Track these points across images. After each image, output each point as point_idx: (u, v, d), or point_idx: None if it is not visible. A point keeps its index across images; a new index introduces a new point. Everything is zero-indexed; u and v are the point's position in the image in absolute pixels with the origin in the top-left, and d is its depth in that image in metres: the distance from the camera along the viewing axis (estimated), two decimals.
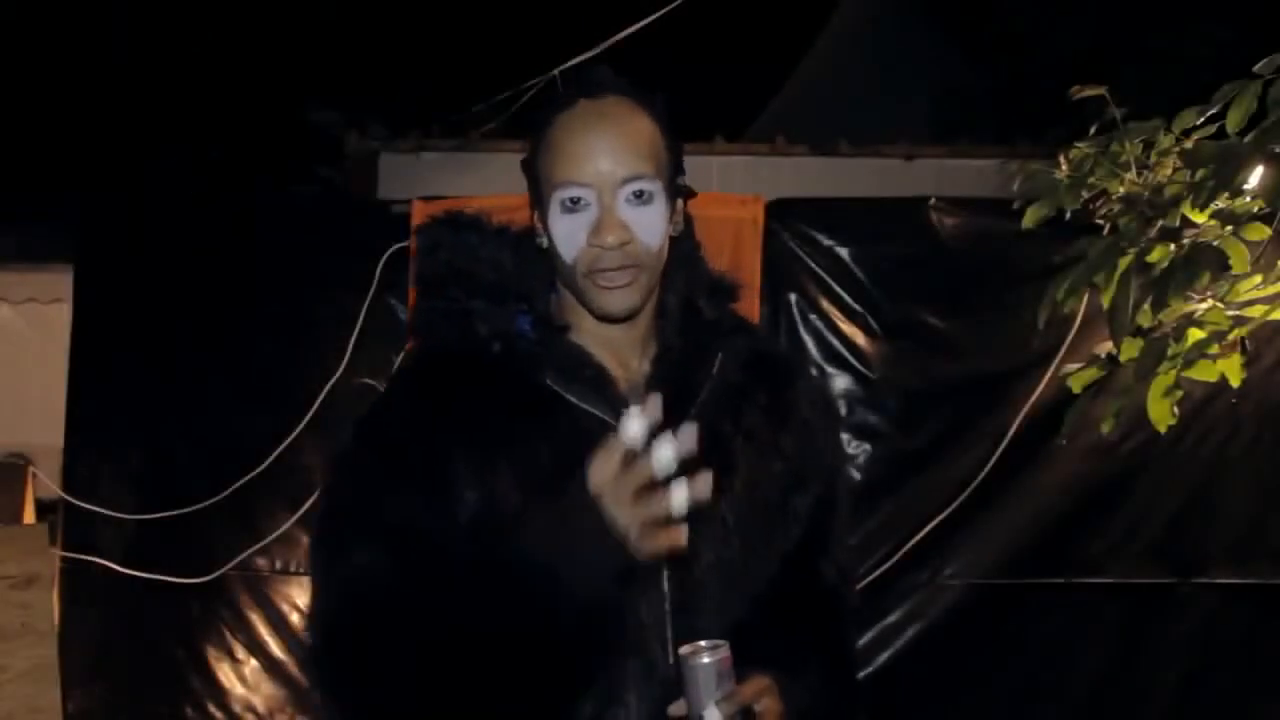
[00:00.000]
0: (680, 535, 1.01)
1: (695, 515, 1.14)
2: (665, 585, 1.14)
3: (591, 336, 1.20)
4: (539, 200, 1.18)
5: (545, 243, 1.18)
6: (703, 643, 1.06)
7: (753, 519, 1.20)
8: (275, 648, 2.91)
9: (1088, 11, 5.82)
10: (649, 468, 0.98)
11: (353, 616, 1.09)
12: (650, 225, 1.14)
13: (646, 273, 1.15)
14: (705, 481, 0.99)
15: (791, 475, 1.25)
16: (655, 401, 0.99)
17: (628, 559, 1.01)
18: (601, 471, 0.99)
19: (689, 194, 1.23)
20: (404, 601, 1.07)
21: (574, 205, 1.12)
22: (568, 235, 1.13)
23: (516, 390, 1.16)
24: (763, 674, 1.10)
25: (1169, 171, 2.02)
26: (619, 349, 1.21)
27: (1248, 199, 1.87)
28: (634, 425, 0.98)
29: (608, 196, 1.12)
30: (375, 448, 1.18)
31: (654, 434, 0.99)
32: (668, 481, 0.99)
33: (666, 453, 0.98)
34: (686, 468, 1.00)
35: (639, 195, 1.12)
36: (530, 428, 1.15)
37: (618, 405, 1.15)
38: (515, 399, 1.16)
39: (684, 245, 1.24)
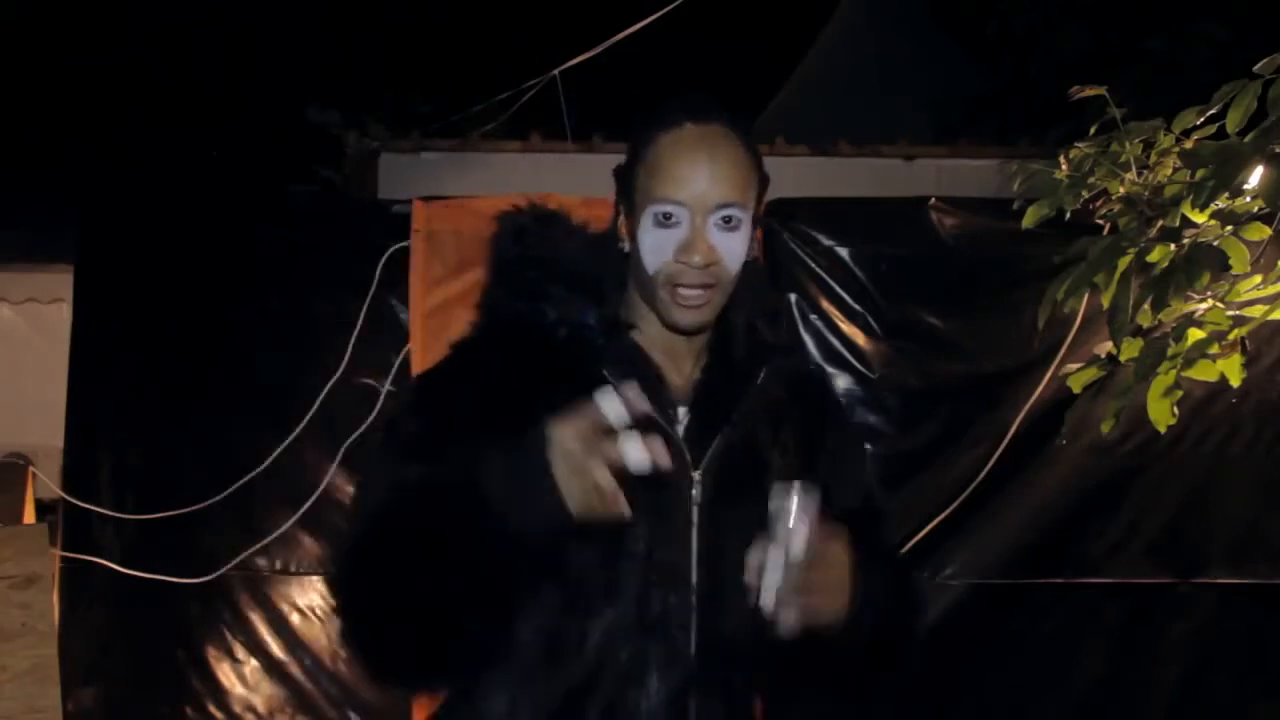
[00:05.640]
0: (622, 504, 0.99)
1: (725, 516, 1.21)
2: (694, 577, 1.20)
3: (653, 340, 1.26)
4: (630, 209, 1.24)
5: (627, 248, 1.24)
6: (793, 491, 1.08)
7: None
8: (275, 648, 2.91)
9: (1088, 12, 5.82)
10: (614, 452, 0.98)
11: (381, 528, 1.11)
12: (734, 250, 1.20)
13: (721, 293, 1.21)
14: (660, 453, 0.98)
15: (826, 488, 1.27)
16: (636, 391, 1.02)
17: (566, 517, 1.01)
18: (565, 434, 0.99)
19: (767, 224, 1.28)
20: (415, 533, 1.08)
21: (666, 221, 1.19)
22: (656, 248, 1.19)
23: (575, 376, 1.20)
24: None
25: (1169, 171, 2.03)
26: (676, 354, 1.27)
27: (1248, 199, 1.88)
28: (613, 407, 0.98)
29: (700, 218, 1.18)
30: (435, 410, 1.21)
31: (638, 424, 0.99)
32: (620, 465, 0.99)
33: (635, 451, 0.97)
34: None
35: (728, 220, 1.19)
36: None
37: (667, 407, 1.23)
38: (573, 384, 1.17)
39: (753, 267, 1.29)
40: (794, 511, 1.07)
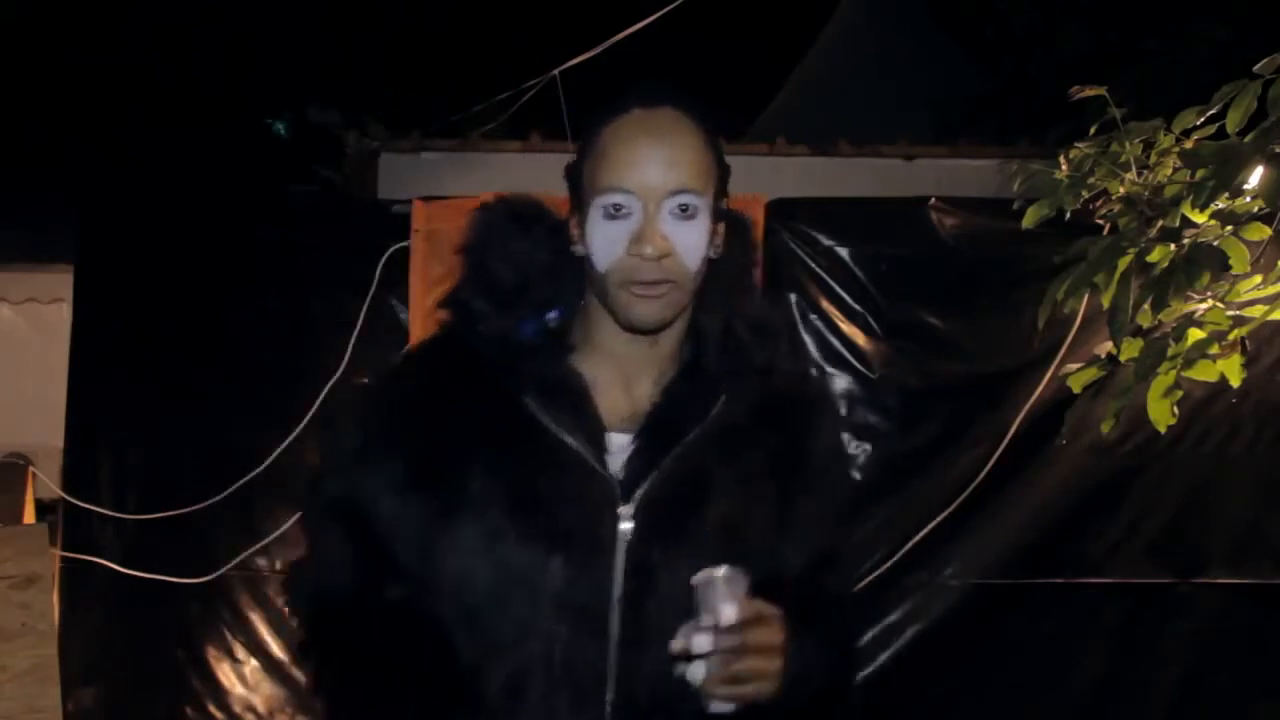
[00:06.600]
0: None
1: (658, 557, 1.10)
2: (613, 623, 1.09)
3: (605, 354, 1.15)
4: (579, 205, 1.13)
5: (580, 250, 1.13)
6: (718, 570, 1.02)
7: (728, 559, 1.06)
8: (275, 648, 2.91)
9: (1088, 12, 5.82)
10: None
11: (322, 590, 1.23)
12: (691, 242, 1.09)
13: (679, 291, 1.10)
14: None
15: (788, 523, 1.17)
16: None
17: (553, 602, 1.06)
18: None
19: (731, 218, 1.18)
20: (358, 588, 1.18)
21: (616, 212, 1.08)
22: (606, 243, 1.08)
23: (496, 399, 1.12)
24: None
25: (1169, 171, 2.03)
26: (631, 371, 1.16)
27: (1248, 199, 1.88)
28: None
29: (652, 207, 1.07)
30: (364, 427, 1.21)
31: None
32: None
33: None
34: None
35: (684, 209, 1.08)
36: (500, 442, 1.11)
37: (596, 434, 1.11)
38: (493, 407, 1.12)
39: (727, 268, 1.18)
40: (721, 593, 0.99)
